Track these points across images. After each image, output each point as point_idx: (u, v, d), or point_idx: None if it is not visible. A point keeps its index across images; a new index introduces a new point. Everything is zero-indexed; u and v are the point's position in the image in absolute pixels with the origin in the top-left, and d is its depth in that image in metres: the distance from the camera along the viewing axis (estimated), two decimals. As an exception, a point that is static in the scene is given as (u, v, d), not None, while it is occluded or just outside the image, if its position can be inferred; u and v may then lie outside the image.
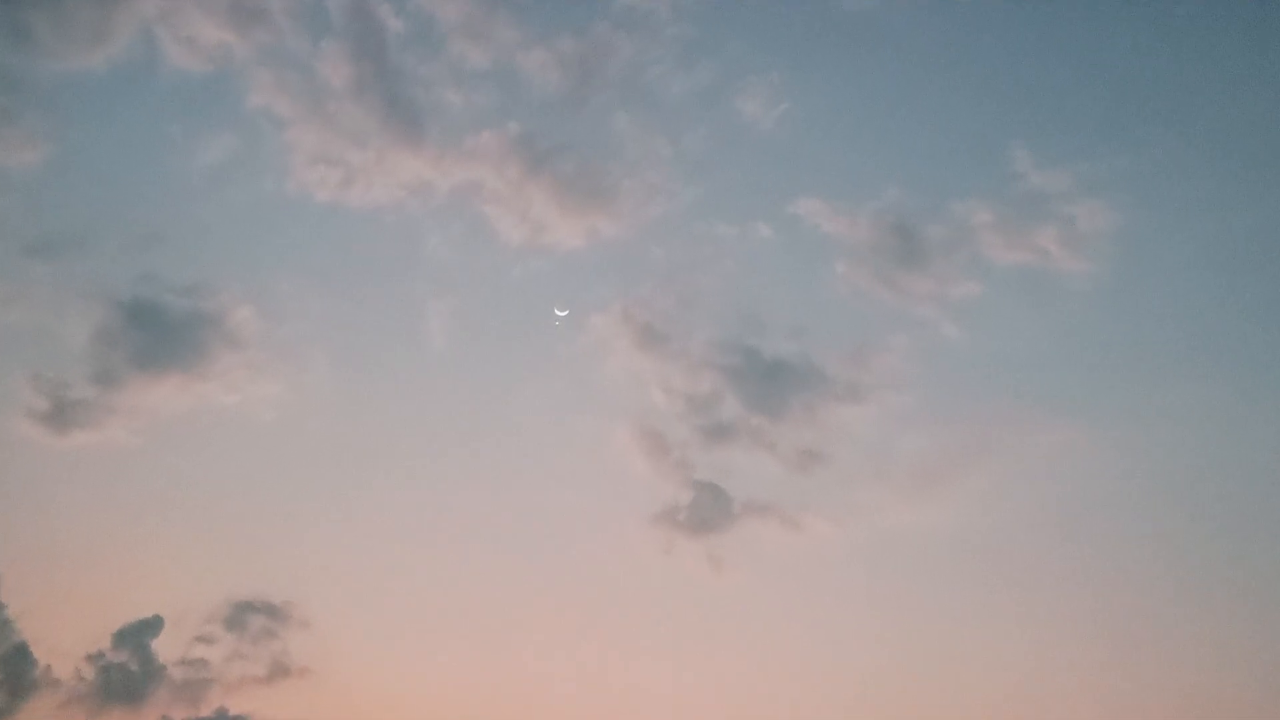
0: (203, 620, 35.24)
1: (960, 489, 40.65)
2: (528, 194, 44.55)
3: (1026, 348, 43.53)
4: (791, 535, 39.50)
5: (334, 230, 44.14)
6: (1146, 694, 35.26)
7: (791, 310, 43.89)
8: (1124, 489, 40.26)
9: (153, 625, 34.49)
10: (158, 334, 40.02)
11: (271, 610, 35.77)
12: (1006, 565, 39.27)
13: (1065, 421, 41.51)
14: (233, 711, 33.71)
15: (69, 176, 41.76)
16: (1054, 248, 43.49)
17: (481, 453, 41.93)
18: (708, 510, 39.47)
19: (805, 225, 44.61)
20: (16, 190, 40.93)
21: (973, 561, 39.41)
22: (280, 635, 35.59)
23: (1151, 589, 38.23)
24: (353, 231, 44.20)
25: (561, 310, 43.08)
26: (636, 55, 45.67)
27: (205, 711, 33.58)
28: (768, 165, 46.20)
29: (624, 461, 41.59)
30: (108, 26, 41.28)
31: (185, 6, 42.15)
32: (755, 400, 41.80)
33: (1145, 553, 38.98)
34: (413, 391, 42.91)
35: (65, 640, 33.88)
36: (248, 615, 35.53)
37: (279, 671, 34.98)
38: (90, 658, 33.83)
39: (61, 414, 38.32)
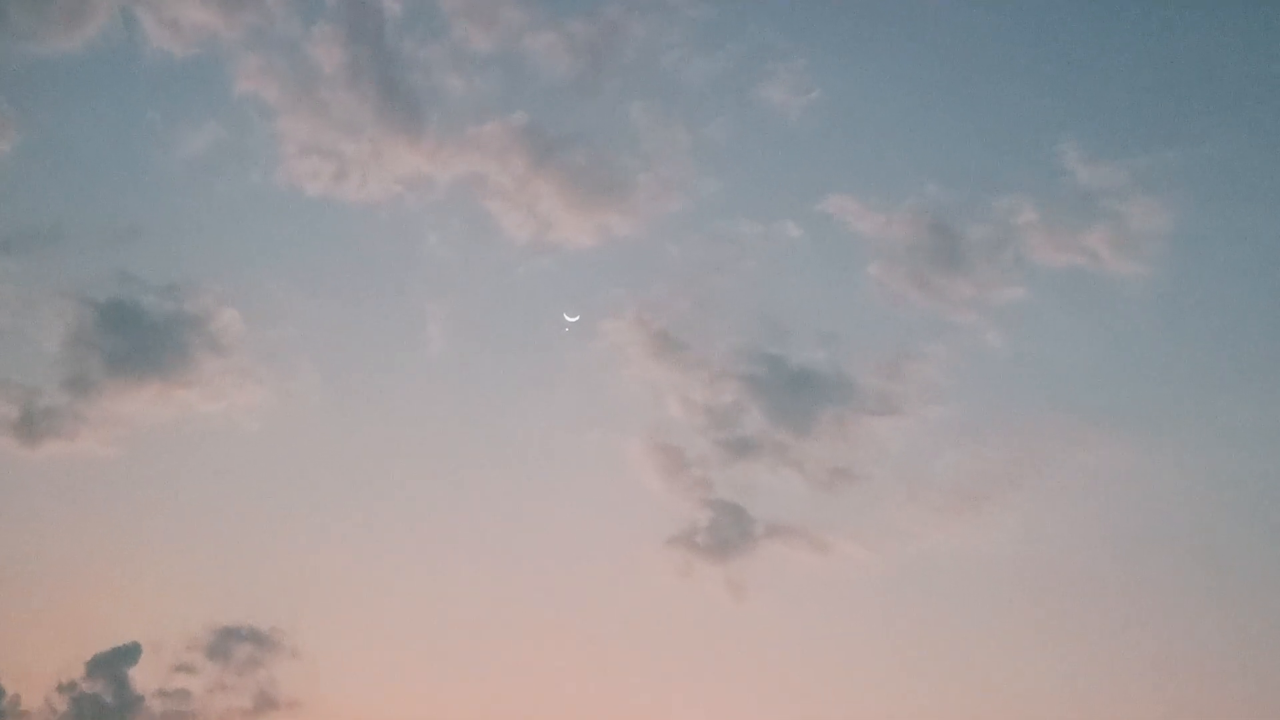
0: (184, 648, 35.05)
1: (1003, 510, 39.97)
2: (534, 188, 44.08)
3: (1075, 357, 42.73)
4: (819, 559, 39.02)
5: (326, 227, 43.73)
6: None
7: (820, 316, 43.29)
8: (1182, 511, 39.48)
9: (130, 653, 34.21)
10: (136, 337, 39.78)
11: (258, 637, 35.52)
12: (1054, 594, 38.45)
13: (1118, 437, 40.79)
14: (215, 747, 33.76)
15: (41, 167, 41.82)
16: (1105, 249, 42.74)
17: (483, 468, 41.54)
18: (728, 532, 39.08)
19: (835, 224, 44.03)
20: (-15, 181, 40.94)
21: (1017, 589, 38.64)
22: (267, 665, 35.39)
23: (1214, 621, 37.20)
24: (346, 228, 43.82)
25: (570, 315, 42.87)
26: (652, 38, 45.09)
27: (185, 747, 33.55)
28: (795, 158, 45.62)
29: (637, 479, 41.17)
30: (84, 6, 40.89)
31: (168, -15, 41.73)
32: (780, 413, 41.37)
33: (1206, 582, 37.94)
34: (409, 401, 42.57)
35: (35, 668, 34.06)
36: (232, 643, 35.30)
37: (265, 704, 34.85)
38: (62, 687, 33.68)
39: (31, 423, 38.29)
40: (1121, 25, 45.29)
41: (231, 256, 42.63)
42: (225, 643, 35.19)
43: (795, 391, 41.39)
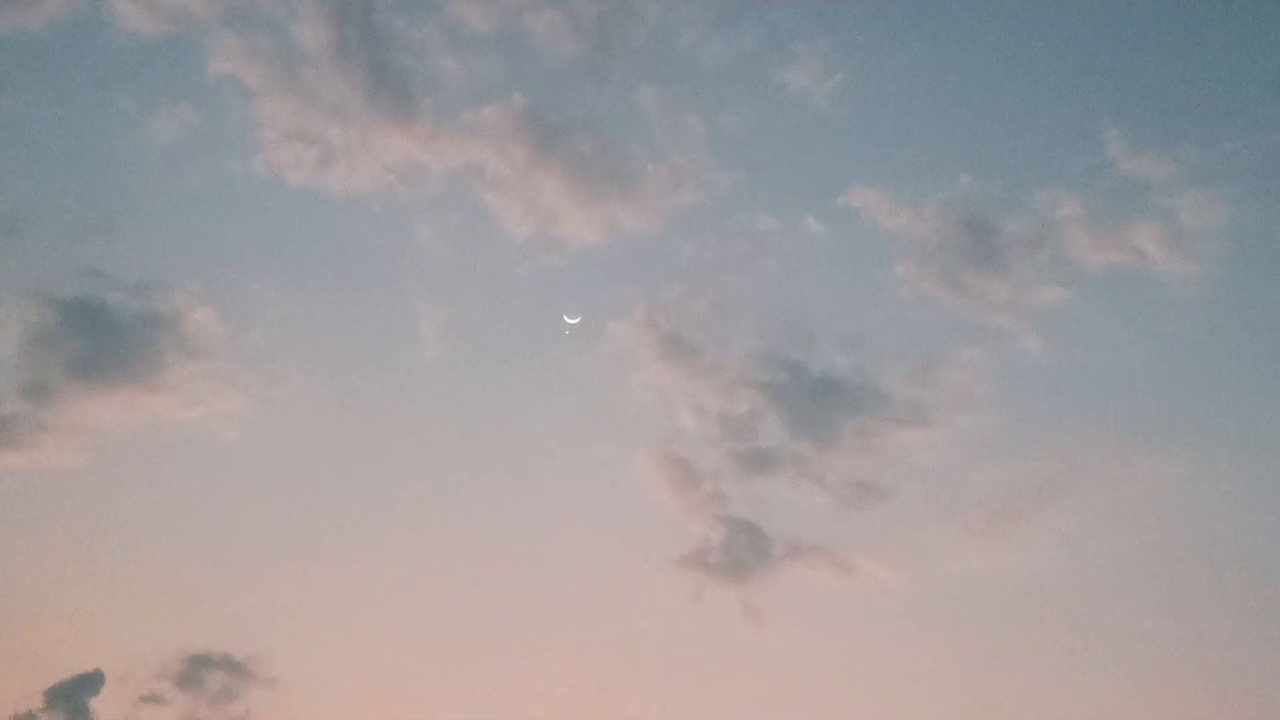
0: (151, 676, 34.48)
1: (1043, 529, 39.43)
2: (536, 180, 44.00)
3: (1121, 363, 42.29)
4: (842, 582, 38.62)
5: (310, 219, 43.35)
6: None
7: (844, 318, 43.18)
8: (1236, 529, 38.70)
9: (92, 681, 33.56)
10: (103, 339, 39.07)
11: (232, 665, 34.92)
12: (1098, 621, 37.88)
13: (1168, 450, 40.31)
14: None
15: (1, 154, 40.95)
16: (1153, 246, 42.24)
17: (480, 482, 41.14)
18: (743, 552, 39.24)
19: (860, 219, 43.65)
20: (-62, 169, 41.02)
21: (1058, 615, 38.08)
22: (242, 696, 34.83)
23: (1275, 651, 36.32)
24: (331, 221, 43.40)
25: (574, 317, 42.59)
26: (665, 18, 44.69)
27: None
28: (817, 148, 45.24)
29: (645, 494, 40.90)
30: (49, -19, 40.38)
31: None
32: (801, 423, 41.27)
33: (1265, 608, 37.10)
34: (401, 410, 42.49)
35: (-10, 697, 33.37)
36: (204, 671, 34.71)
37: (240, 738, 34.51)
38: (19, 719, 33.08)
39: (-13, 432, 37.90)
40: (1172, 3, 45.14)
41: (207, 251, 42.24)
42: (197, 671, 34.56)
43: (817, 400, 41.39)
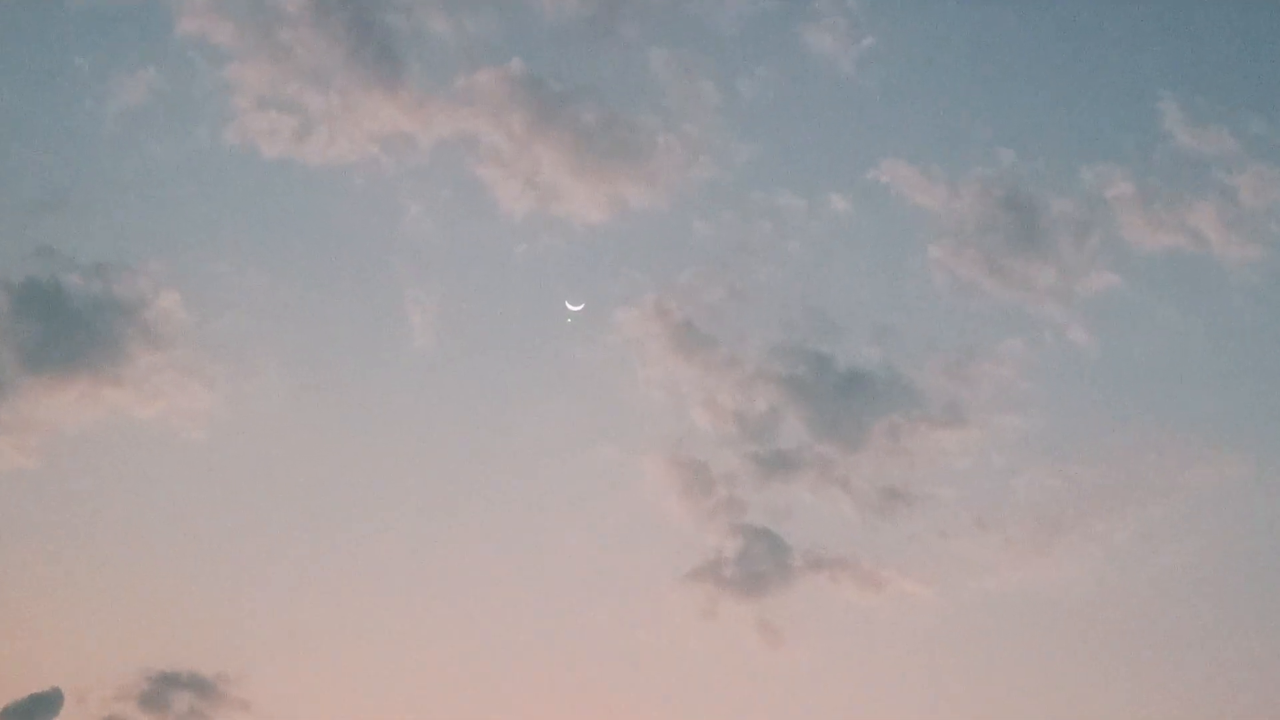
0: (112, 696, 33.70)
1: (1092, 541, 38.66)
2: (535, 152, 42.15)
3: (1177, 356, 41.24)
4: (869, 597, 37.97)
5: (286, 194, 41.83)
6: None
7: (873, 306, 41.86)
8: None
9: (49, 701, 32.56)
10: (56, 325, 37.88)
11: (201, 685, 34.24)
12: (1152, 641, 37.21)
13: (1229, 452, 39.15)
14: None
15: None
16: (1212, 228, 41.22)
17: (474, 486, 39.90)
18: (761, 564, 38.06)
19: (891, 196, 42.25)
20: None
21: (1107, 635, 37.41)
22: (212, 718, 34.22)
23: None
24: (310, 196, 41.92)
25: (577, 304, 41.69)
26: None
27: (112, 816, 32.77)
28: (845, 118, 44.12)
29: (654, 500, 39.72)
30: (-8, -69, 39.71)
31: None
32: (825, 423, 39.91)
33: None
34: (387, 407, 40.96)
35: (-65, 721, 31.17)
36: (170, 691, 34.00)
37: (209, 764, 33.95)
38: None
39: (-71, 429, 37.05)
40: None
41: (172, 229, 40.58)
42: (163, 691, 33.80)
43: (843, 397, 40.02)
